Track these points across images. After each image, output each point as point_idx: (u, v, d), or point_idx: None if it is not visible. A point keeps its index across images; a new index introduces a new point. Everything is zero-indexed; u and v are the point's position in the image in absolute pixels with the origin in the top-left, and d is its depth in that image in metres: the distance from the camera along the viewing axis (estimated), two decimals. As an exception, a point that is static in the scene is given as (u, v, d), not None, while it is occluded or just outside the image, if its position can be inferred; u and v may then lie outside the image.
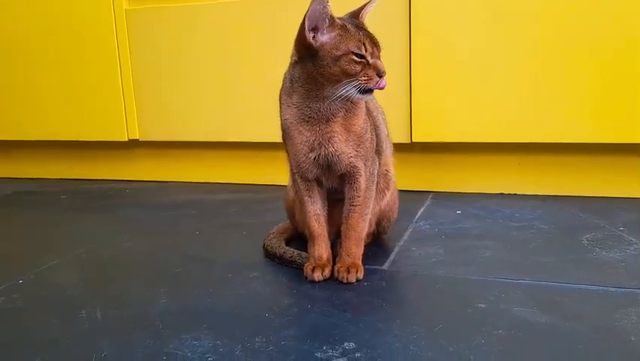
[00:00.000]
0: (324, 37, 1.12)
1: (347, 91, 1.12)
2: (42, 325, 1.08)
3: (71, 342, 1.00)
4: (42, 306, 1.18)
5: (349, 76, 1.11)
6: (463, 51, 1.85)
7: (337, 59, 1.11)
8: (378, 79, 1.12)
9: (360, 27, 1.16)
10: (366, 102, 1.27)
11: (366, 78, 1.11)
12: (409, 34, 1.89)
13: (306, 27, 1.12)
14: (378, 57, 1.14)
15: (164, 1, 2.21)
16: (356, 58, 1.11)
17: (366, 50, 1.12)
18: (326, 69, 1.12)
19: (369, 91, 1.14)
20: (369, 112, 1.29)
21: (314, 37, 1.13)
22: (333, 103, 1.17)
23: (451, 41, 1.85)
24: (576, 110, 1.77)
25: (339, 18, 1.15)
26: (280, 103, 1.24)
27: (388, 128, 1.46)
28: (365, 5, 1.21)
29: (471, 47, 1.84)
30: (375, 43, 1.14)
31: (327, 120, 1.18)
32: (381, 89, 1.14)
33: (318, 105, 1.17)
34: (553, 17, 1.74)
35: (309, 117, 1.19)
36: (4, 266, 1.45)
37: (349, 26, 1.13)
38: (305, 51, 1.15)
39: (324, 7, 1.10)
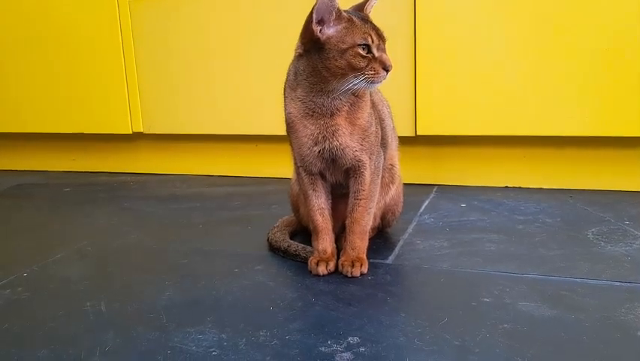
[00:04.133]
0: (331, 30, 1.12)
1: (354, 84, 1.11)
2: (46, 318, 1.08)
3: (76, 335, 1.01)
4: (46, 299, 1.18)
5: (355, 70, 1.11)
6: (468, 44, 1.83)
7: (343, 52, 1.10)
8: (384, 73, 1.11)
9: (366, 20, 1.15)
10: (371, 95, 1.26)
11: (372, 72, 1.11)
12: (414, 27, 1.87)
13: (314, 20, 1.11)
14: (384, 50, 1.14)
15: (168, -7, 2.20)
16: (362, 52, 1.10)
17: (372, 42, 1.11)
18: (332, 62, 1.12)
19: (380, 80, 1.13)
20: (374, 105, 1.28)
21: (320, 30, 1.12)
22: (337, 98, 1.16)
23: (456, 34, 1.84)
24: (582, 102, 1.75)
25: (345, 11, 1.14)
26: (284, 97, 1.24)
27: (393, 122, 1.45)
28: (371, -2, 1.20)
29: (476, 40, 1.82)
30: (380, 35, 1.13)
31: (332, 114, 1.18)
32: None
33: (322, 100, 1.17)
34: (558, 11, 1.73)
35: (314, 111, 1.18)
36: (9, 259, 1.45)
37: (355, 19, 1.12)
38: (311, 44, 1.14)
39: (332, 0, 1.09)
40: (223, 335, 0.97)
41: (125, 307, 1.11)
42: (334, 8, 1.10)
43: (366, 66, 1.11)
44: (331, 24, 1.12)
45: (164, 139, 2.39)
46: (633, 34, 1.67)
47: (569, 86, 1.76)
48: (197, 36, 2.19)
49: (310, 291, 1.15)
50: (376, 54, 1.11)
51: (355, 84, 1.12)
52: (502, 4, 1.78)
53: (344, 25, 1.12)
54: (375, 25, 1.15)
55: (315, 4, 1.09)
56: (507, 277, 1.18)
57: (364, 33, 1.11)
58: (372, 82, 1.12)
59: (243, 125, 2.20)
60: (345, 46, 1.10)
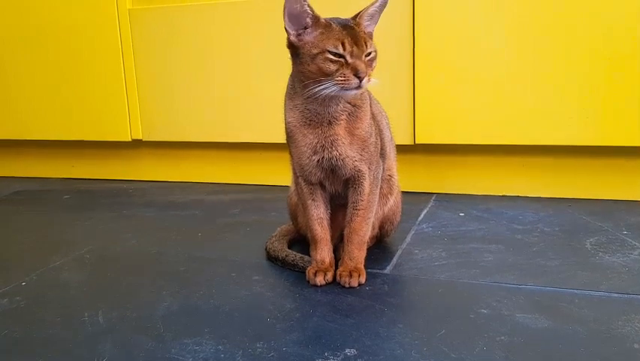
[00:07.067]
0: (309, 37, 1.13)
1: (327, 89, 1.11)
2: (44, 327, 1.08)
3: (74, 345, 1.01)
4: (45, 308, 1.18)
5: (326, 75, 1.10)
6: (467, 53, 1.84)
7: (314, 57, 1.11)
8: (356, 80, 1.09)
9: (348, 26, 1.13)
10: (370, 106, 1.26)
11: (342, 78, 1.09)
12: (412, 35, 1.88)
13: (285, 23, 1.13)
14: (360, 57, 1.11)
15: (168, 1, 2.21)
16: (332, 57, 1.10)
17: (344, 49, 1.10)
18: (305, 67, 1.13)
19: (353, 88, 1.11)
20: (373, 116, 1.28)
21: (299, 35, 1.14)
22: (328, 105, 1.16)
23: (455, 43, 1.84)
24: (581, 112, 1.76)
25: (333, 18, 1.15)
26: (284, 106, 1.24)
27: (392, 133, 1.45)
28: (369, 6, 1.20)
29: (475, 48, 1.83)
30: (357, 42, 1.11)
31: (330, 123, 1.18)
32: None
33: (314, 106, 1.17)
34: (558, 20, 1.73)
35: (311, 120, 1.18)
36: (7, 267, 1.45)
37: (334, 25, 1.13)
38: (292, 50, 1.17)
39: (299, 3, 1.11)
40: (220, 347, 0.97)
41: (124, 316, 1.11)
42: (307, 13, 1.12)
43: (336, 71, 1.10)
44: (309, 30, 1.14)
45: (164, 146, 2.39)
46: (634, 44, 1.68)
47: (568, 96, 1.76)
48: (197, 43, 2.19)
49: (308, 302, 1.15)
50: (349, 60, 1.10)
51: (327, 88, 1.10)
52: (502, 13, 1.79)
53: (320, 30, 1.13)
54: (355, 32, 1.12)
55: (284, 7, 1.12)
56: (505, 288, 1.18)
57: (336, 39, 1.10)
58: (344, 88, 1.10)
59: (243, 133, 2.20)
60: (315, 51, 1.11)
